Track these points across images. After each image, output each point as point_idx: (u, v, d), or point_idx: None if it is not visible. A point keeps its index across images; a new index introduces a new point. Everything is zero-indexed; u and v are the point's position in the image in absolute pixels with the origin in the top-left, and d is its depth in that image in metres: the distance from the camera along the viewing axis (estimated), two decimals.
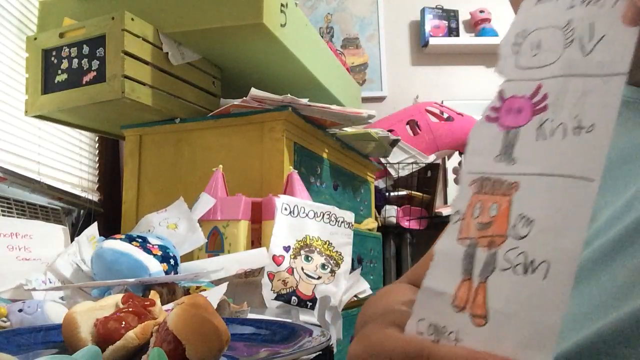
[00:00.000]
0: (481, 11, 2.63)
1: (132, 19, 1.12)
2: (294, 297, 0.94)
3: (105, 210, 1.66)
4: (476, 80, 2.62)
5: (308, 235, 1.02)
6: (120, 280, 0.72)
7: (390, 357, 0.30)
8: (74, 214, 1.56)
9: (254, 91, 1.17)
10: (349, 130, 1.50)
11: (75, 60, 1.15)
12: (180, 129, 1.29)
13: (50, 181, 1.44)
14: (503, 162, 0.30)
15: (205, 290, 0.77)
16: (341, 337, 0.98)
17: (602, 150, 0.26)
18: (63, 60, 1.16)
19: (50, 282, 0.84)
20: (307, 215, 1.04)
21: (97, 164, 1.72)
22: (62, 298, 0.81)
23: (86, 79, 1.13)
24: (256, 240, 1.07)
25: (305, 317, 0.92)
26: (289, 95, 1.18)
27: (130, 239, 0.84)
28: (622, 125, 0.44)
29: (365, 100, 2.40)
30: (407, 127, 2.15)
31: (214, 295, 0.68)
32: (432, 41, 2.58)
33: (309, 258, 1.00)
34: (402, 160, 2.05)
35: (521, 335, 0.26)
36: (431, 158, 2.10)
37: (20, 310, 0.61)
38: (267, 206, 1.05)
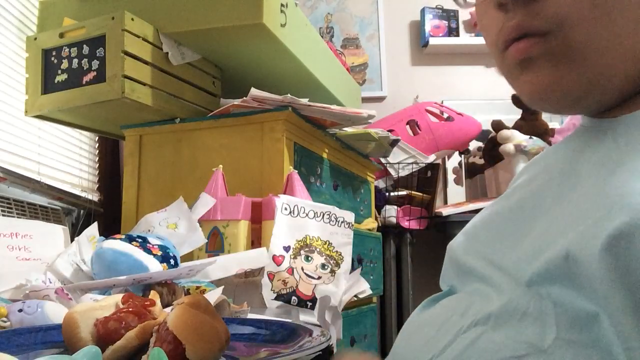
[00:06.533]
0: None
1: (132, 19, 1.12)
2: (294, 297, 0.94)
3: (105, 210, 1.66)
4: (476, 80, 2.62)
5: (308, 235, 1.02)
6: (114, 279, 0.72)
7: None
8: (74, 214, 1.56)
9: (254, 91, 1.17)
10: (349, 130, 1.50)
11: (75, 60, 1.15)
12: (180, 129, 1.29)
13: (50, 181, 1.44)
14: None
15: (205, 290, 0.77)
16: (341, 337, 0.99)
17: None
18: (63, 60, 1.16)
19: (50, 282, 0.84)
20: (307, 215, 1.04)
21: (97, 164, 1.72)
22: None
23: (86, 79, 1.13)
24: (256, 240, 1.07)
25: (305, 317, 0.92)
26: (289, 95, 1.18)
27: (130, 239, 0.84)
28: (559, 159, 0.48)
29: (365, 100, 2.40)
30: (407, 127, 2.15)
31: (213, 295, 0.68)
32: (432, 41, 2.58)
33: (309, 258, 1.00)
34: (402, 160, 2.04)
35: None
36: (431, 158, 2.10)
37: (20, 310, 0.61)
38: (267, 206, 1.05)
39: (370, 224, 1.66)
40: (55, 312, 0.62)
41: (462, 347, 0.40)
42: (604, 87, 0.41)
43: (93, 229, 0.98)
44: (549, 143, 2.01)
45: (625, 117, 0.43)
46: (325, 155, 1.40)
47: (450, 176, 2.49)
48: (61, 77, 1.17)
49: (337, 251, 1.04)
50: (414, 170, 2.06)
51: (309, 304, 0.95)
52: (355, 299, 1.14)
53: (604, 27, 0.39)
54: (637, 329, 0.31)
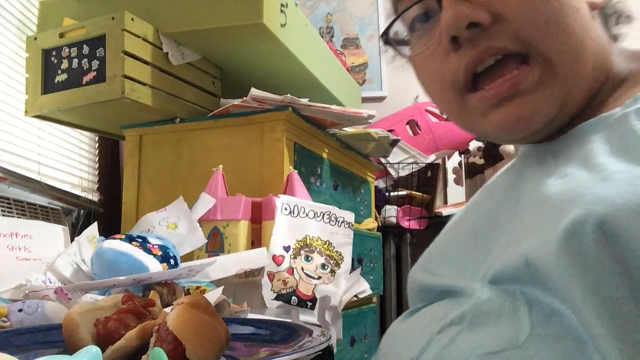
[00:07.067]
0: None
1: (132, 19, 1.12)
2: (294, 297, 0.94)
3: (105, 210, 1.66)
4: None
5: (308, 235, 1.02)
6: (114, 279, 0.72)
7: None
8: (74, 214, 1.56)
9: (254, 91, 1.17)
10: (349, 130, 1.50)
11: (75, 60, 1.15)
12: (180, 129, 1.29)
13: (50, 181, 1.44)
14: None
15: (205, 290, 0.77)
16: (341, 337, 0.98)
17: None
18: (63, 60, 1.16)
19: (50, 282, 0.84)
20: (307, 215, 1.04)
21: (97, 164, 1.72)
22: None
23: (86, 79, 1.13)
24: (256, 240, 1.07)
25: (305, 317, 0.92)
26: (289, 95, 1.18)
27: (130, 239, 0.84)
28: (505, 182, 0.52)
29: (365, 100, 2.40)
30: (407, 127, 2.15)
31: (213, 295, 0.68)
32: None
33: (309, 258, 1.00)
34: (402, 160, 2.04)
35: None
36: (431, 158, 2.10)
37: (20, 310, 0.61)
38: (267, 206, 1.05)
39: (370, 224, 1.66)
40: (55, 312, 0.62)
41: (439, 347, 0.40)
42: (572, 102, 0.45)
43: (93, 229, 0.97)
44: None
45: (559, 139, 0.47)
46: (325, 155, 1.40)
47: (450, 176, 2.49)
48: (61, 77, 1.17)
49: (337, 251, 1.04)
50: (414, 170, 2.06)
51: (309, 304, 0.95)
52: (355, 299, 1.14)
53: (565, 39, 0.43)
54: (599, 319, 0.32)
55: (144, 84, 1.14)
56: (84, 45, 1.14)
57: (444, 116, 2.21)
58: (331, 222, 1.07)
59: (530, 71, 0.43)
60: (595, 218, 0.33)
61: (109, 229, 1.11)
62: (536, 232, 0.39)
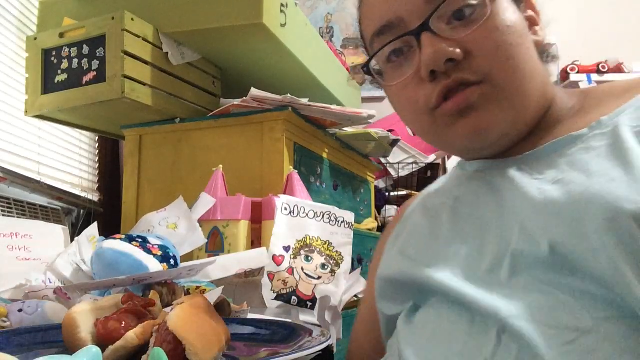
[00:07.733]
0: None
1: (132, 19, 1.12)
2: (294, 297, 0.94)
3: (105, 210, 1.66)
4: None
5: (308, 235, 1.02)
6: (114, 279, 0.71)
7: None
8: (74, 214, 1.56)
9: (254, 91, 1.17)
10: (349, 130, 1.50)
11: (75, 60, 1.15)
12: (180, 129, 1.29)
13: (50, 181, 1.44)
14: None
15: (205, 290, 0.77)
16: (341, 337, 0.98)
17: None
18: (63, 60, 1.16)
19: (50, 282, 0.84)
20: (307, 215, 1.04)
21: (97, 164, 1.72)
22: None
23: (86, 79, 1.13)
24: (256, 240, 1.07)
25: (305, 317, 0.92)
26: (289, 95, 1.18)
27: (130, 239, 0.84)
28: (473, 191, 0.56)
29: (365, 100, 2.40)
30: (407, 127, 2.15)
31: (213, 295, 0.68)
32: None
33: (309, 258, 1.00)
34: (402, 160, 2.04)
35: None
36: (431, 158, 2.10)
37: (20, 310, 0.61)
38: (267, 206, 1.05)
39: (370, 224, 1.66)
40: (55, 312, 0.62)
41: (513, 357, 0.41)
42: (522, 122, 0.53)
43: (93, 229, 0.97)
44: None
45: (529, 153, 0.53)
46: (325, 155, 1.40)
47: None
48: (61, 77, 1.17)
49: (337, 251, 1.04)
50: (414, 170, 2.06)
51: (309, 304, 0.95)
52: (355, 299, 1.14)
53: (519, 73, 0.51)
54: None
55: (144, 84, 1.14)
56: (84, 45, 1.14)
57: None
58: (331, 222, 1.07)
59: (475, 89, 0.51)
60: (628, 213, 0.39)
61: (109, 229, 1.11)
62: (554, 230, 0.43)
